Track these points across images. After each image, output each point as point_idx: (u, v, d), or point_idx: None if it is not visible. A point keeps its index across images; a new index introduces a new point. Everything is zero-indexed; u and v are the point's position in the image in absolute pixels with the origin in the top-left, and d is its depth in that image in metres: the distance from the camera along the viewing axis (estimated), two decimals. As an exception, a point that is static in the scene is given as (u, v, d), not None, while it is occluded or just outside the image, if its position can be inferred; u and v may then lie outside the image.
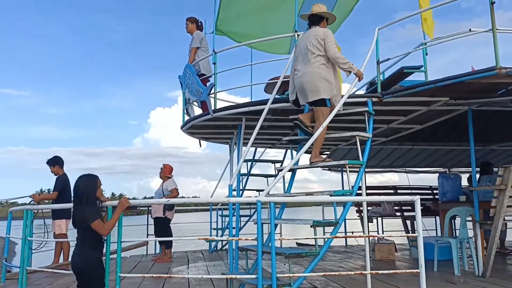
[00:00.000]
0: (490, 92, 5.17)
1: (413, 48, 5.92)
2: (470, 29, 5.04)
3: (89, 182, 3.56)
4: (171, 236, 7.53)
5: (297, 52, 5.08)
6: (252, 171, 8.52)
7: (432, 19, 6.27)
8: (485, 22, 4.58)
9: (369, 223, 9.01)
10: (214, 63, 6.10)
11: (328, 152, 9.82)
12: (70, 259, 3.98)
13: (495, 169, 7.23)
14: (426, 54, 5.89)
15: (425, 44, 5.90)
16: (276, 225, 4.61)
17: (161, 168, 7.77)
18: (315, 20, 5.01)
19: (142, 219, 9.50)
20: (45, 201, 7.05)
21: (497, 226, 5.23)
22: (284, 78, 5.86)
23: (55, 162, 6.99)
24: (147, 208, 8.47)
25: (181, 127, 7.08)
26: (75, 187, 3.54)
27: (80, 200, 3.45)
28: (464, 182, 7.99)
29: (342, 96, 5.02)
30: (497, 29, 4.46)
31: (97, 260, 3.48)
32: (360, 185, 4.65)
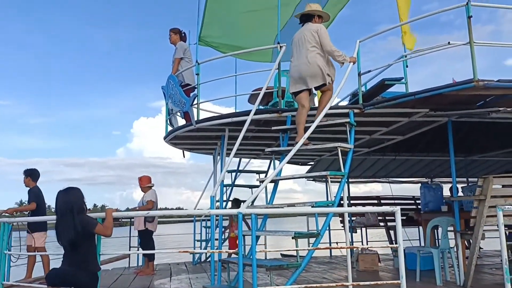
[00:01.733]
0: (469, 104, 5.26)
1: (394, 60, 6.01)
2: (449, 42, 5.14)
3: (77, 193, 3.61)
4: (154, 248, 7.41)
5: (293, 47, 5.33)
6: (237, 182, 8.50)
7: (410, 32, 6.38)
8: (464, 35, 4.68)
9: (353, 233, 9.03)
10: (197, 74, 6.10)
11: (312, 163, 9.87)
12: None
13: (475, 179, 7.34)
14: (407, 66, 5.99)
15: (406, 56, 5.99)
16: (258, 237, 4.59)
17: (138, 180, 7.65)
18: (306, 18, 5.36)
19: (125, 230, 9.36)
20: (25, 212, 6.89)
21: (477, 236, 5.28)
22: (267, 89, 5.88)
23: (29, 174, 6.85)
24: (129, 219, 8.34)
25: (164, 138, 7.04)
26: (61, 201, 3.53)
27: (72, 212, 3.45)
28: (446, 192, 8.07)
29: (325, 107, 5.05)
30: (474, 43, 4.56)
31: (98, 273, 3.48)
32: (342, 195, 4.66)
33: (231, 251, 5.41)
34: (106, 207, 3.79)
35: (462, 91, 4.67)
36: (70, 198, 3.55)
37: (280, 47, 5.82)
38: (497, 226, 4.17)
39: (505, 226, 6.63)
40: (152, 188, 7.66)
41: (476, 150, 8.70)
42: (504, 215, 4.39)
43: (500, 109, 4.57)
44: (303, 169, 10.25)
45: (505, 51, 5.70)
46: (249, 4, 7.28)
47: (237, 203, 8.20)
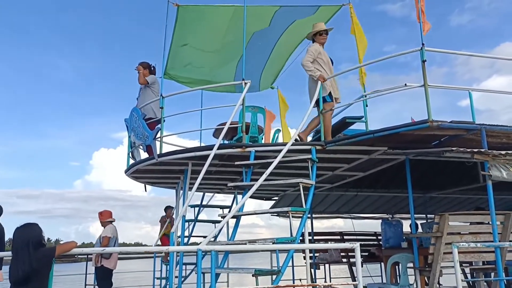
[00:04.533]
0: (425, 143, 5.48)
1: (354, 99, 6.22)
2: (405, 84, 5.38)
3: (35, 228, 3.58)
4: (110, 286, 7.09)
5: None
6: (201, 217, 8.34)
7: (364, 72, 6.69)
8: (421, 76, 4.91)
9: (317, 270, 8.97)
10: (162, 108, 6.08)
11: (276, 198, 9.86)
12: None
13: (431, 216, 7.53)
14: (366, 106, 6.20)
15: (365, 96, 6.21)
16: (218, 274, 4.48)
17: (98, 215, 7.41)
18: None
19: (80, 266, 8.94)
20: None
21: (435, 273, 5.36)
22: (232, 124, 5.92)
23: None
24: (86, 255, 7.99)
25: (125, 172, 6.88)
26: (18, 237, 3.47)
27: (28, 247, 3.40)
28: (407, 228, 8.22)
29: (286, 143, 5.13)
30: (428, 85, 4.80)
31: None
32: (303, 231, 4.66)
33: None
34: (61, 242, 3.69)
35: (417, 131, 4.86)
36: (27, 233, 3.49)
37: (245, 83, 5.91)
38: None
39: (467, 263, 6.86)
40: (112, 223, 7.42)
41: (434, 187, 8.97)
42: (459, 252, 4.50)
43: (453, 149, 4.77)
44: (267, 204, 10.22)
45: (460, 92, 6.10)
46: (212, 45, 7.45)
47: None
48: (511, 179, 4.81)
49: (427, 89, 4.76)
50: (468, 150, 4.72)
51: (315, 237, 9.06)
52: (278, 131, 8.10)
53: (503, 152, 4.85)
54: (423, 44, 4.84)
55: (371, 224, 11.01)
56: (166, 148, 6.27)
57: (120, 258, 8.40)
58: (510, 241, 5.33)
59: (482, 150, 4.77)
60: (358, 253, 3.95)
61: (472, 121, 4.90)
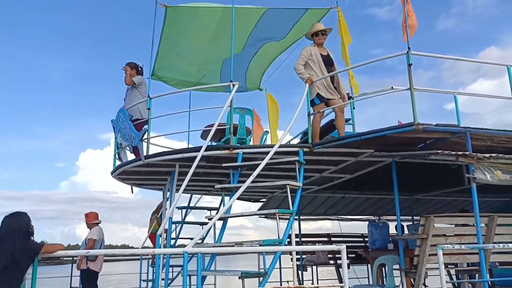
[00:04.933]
0: (411, 145, 5.53)
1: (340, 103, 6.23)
2: (392, 87, 5.44)
3: (24, 217, 3.61)
4: (94, 290, 7.00)
5: None
6: (189, 218, 8.30)
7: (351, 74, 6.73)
8: (407, 79, 4.96)
9: (304, 272, 8.98)
10: (149, 109, 6.04)
11: (264, 200, 9.86)
12: None
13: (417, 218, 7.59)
14: (354, 108, 6.24)
15: (353, 99, 6.25)
16: (204, 277, 4.46)
17: (85, 217, 7.32)
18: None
19: (66, 268, 8.83)
20: None
21: (420, 274, 5.41)
22: (221, 126, 5.90)
23: None
24: (71, 257, 7.90)
25: (112, 173, 6.82)
26: (5, 225, 3.50)
27: (15, 236, 3.42)
28: (394, 230, 8.28)
29: (274, 145, 5.13)
30: (414, 88, 4.85)
31: None
32: (290, 233, 4.66)
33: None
34: (45, 243, 3.74)
35: (403, 134, 4.91)
36: (15, 222, 3.51)
37: (233, 85, 5.89)
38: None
39: (452, 264, 6.93)
40: (99, 225, 7.34)
41: (420, 189, 9.05)
42: (444, 254, 4.54)
43: (438, 151, 4.82)
44: (255, 206, 10.21)
45: (446, 95, 6.18)
46: (200, 45, 7.45)
47: None
48: (495, 182, 4.88)
49: (413, 93, 4.81)
50: (453, 153, 4.77)
51: (302, 239, 9.07)
52: (266, 133, 8.10)
53: (487, 155, 4.91)
54: (409, 48, 4.89)
55: (358, 226, 11.07)
56: (153, 150, 6.23)
57: (106, 260, 8.32)
58: (494, 243, 5.40)
59: (467, 153, 4.82)
60: (344, 255, 3.96)
61: (457, 125, 4.97)
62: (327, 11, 6.86)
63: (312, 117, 5.87)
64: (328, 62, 6.16)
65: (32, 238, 3.62)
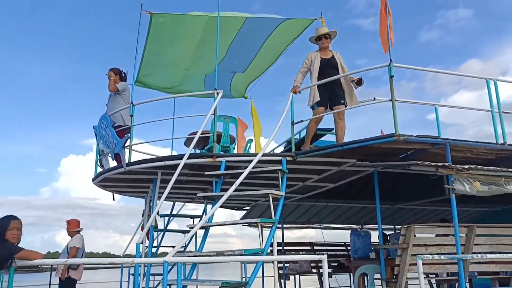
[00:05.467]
0: (393, 156, 5.59)
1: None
2: (374, 98, 5.49)
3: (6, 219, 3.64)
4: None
5: None
6: (172, 226, 8.22)
7: None
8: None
9: (287, 280, 8.97)
10: (131, 115, 5.99)
11: (248, 208, 9.84)
12: None
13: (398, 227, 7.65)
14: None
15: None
16: (185, 286, 4.42)
17: (66, 224, 7.18)
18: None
19: (45, 276, 8.64)
20: None
21: (401, 284, 5.45)
22: (205, 134, 5.88)
23: None
24: (50, 266, 7.72)
25: (93, 180, 6.73)
26: None
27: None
28: (376, 239, 8.33)
29: (257, 153, 5.13)
30: (396, 100, 4.91)
31: None
32: (272, 242, 4.65)
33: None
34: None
35: (385, 144, 4.96)
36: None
37: (217, 93, 5.89)
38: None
39: (432, 273, 6.99)
40: (80, 232, 7.21)
41: (403, 198, 9.14)
42: (424, 264, 4.58)
43: (419, 162, 4.89)
44: (239, 214, 10.18)
45: (428, 106, 6.29)
46: (185, 52, 7.44)
47: None
48: (473, 193, 4.96)
49: (395, 104, 4.87)
50: (433, 164, 4.84)
51: (286, 247, 9.07)
52: (250, 141, 8.10)
53: (466, 167, 4.99)
54: (391, 60, 4.96)
55: (342, 234, 11.11)
56: (136, 157, 6.18)
57: (86, 268, 8.16)
58: (473, 253, 5.47)
59: (446, 164, 4.90)
60: (325, 265, 3.97)
61: (437, 136, 5.04)
62: (312, 21, 6.91)
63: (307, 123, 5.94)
64: (331, 65, 6.03)
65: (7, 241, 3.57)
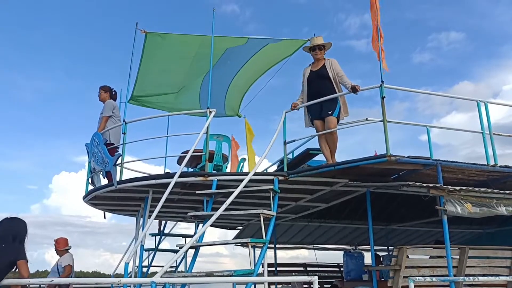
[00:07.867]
0: (385, 176, 5.59)
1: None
2: (366, 118, 5.54)
3: (22, 223, 3.78)
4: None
5: None
6: (164, 245, 8.12)
7: None
8: (384, 110, 5.03)
9: (280, 302, 8.83)
10: (124, 133, 5.98)
11: (241, 227, 9.75)
12: None
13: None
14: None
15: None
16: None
17: (54, 243, 7.07)
18: None
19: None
20: None
21: (394, 306, 5.37)
22: (197, 152, 5.87)
23: None
24: (38, 285, 7.56)
25: (83, 198, 6.66)
26: (5, 225, 3.66)
27: (13, 238, 3.59)
28: (370, 260, 8.25)
29: (249, 173, 5.12)
30: (387, 120, 4.94)
31: None
32: (263, 263, 4.60)
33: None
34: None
35: (377, 165, 4.96)
36: (15, 226, 3.70)
37: (210, 111, 5.90)
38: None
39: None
40: (69, 251, 7.09)
41: (396, 219, 9.11)
42: (416, 286, 4.52)
43: (410, 183, 4.88)
44: (232, 233, 10.08)
45: (420, 127, 6.31)
46: (178, 72, 7.50)
47: None
48: (465, 215, 4.94)
49: (386, 124, 4.89)
50: (424, 184, 4.83)
51: (278, 268, 8.97)
52: (243, 160, 8.09)
53: (457, 188, 4.99)
54: (382, 82, 5.00)
55: (336, 255, 11.00)
56: (128, 174, 6.14)
57: (74, 288, 8.00)
58: (465, 275, 5.42)
59: (438, 185, 4.89)
60: (315, 287, 3.91)
61: (428, 157, 5.05)
62: (305, 42, 6.99)
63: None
64: (320, 76, 5.87)
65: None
